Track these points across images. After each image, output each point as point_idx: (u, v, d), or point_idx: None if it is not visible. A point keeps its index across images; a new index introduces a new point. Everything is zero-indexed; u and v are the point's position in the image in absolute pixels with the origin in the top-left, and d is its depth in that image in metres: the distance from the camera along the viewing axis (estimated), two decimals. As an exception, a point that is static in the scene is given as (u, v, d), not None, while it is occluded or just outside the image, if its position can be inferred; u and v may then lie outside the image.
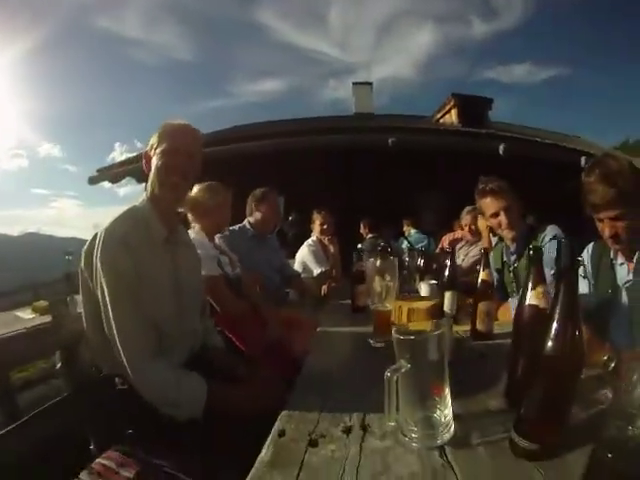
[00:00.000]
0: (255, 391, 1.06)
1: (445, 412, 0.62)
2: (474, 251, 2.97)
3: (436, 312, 1.33)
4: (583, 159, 7.98)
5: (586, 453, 0.52)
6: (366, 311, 1.50)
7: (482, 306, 1.16)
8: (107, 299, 0.96)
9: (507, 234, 1.66)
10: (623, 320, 1.12)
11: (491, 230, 1.98)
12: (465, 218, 3.15)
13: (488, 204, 1.66)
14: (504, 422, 0.64)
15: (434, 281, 1.65)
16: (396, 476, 0.55)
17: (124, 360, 0.95)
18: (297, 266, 3.06)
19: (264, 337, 1.69)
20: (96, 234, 1.01)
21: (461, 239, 3.94)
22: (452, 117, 10.05)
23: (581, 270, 1.27)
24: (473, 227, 3.08)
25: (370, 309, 1.24)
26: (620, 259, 1.17)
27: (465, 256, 3.02)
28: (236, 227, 2.35)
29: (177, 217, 1.24)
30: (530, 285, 0.70)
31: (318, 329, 1.44)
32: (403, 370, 0.60)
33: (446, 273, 1.43)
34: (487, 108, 10.16)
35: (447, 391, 0.63)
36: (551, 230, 1.64)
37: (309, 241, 3.16)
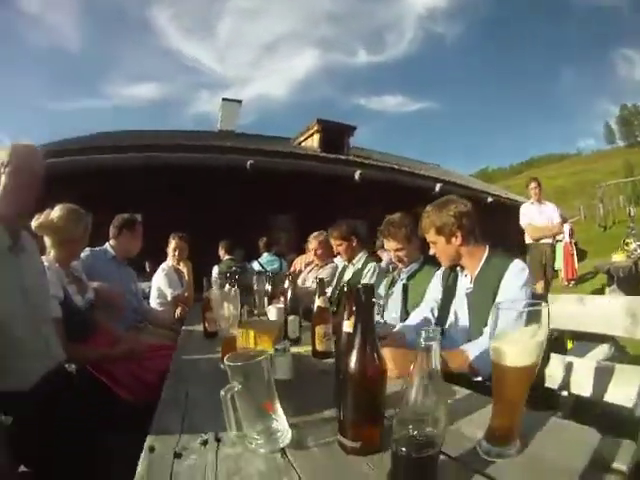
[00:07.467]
0: None
1: (280, 422, 0.77)
2: (323, 274, 3.02)
3: (280, 336, 1.47)
4: (438, 186, 8.98)
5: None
6: (217, 336, 1.56)
7: (319, 329, 1.34)
8: None
9: (398, 264, 2.13)
10: (463, 324, 1.43)
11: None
12: (312, 243, 3.23)
13: (386, 242, 2.12)
14: (335, 428, 0.77)
15: (281, 305, 1.80)
16: (247, 475, 0.68)
17: None
18: (153, 291, 3.09)
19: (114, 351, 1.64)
20: None
21: (313, 262, 4.00)
22: (314, 141, 10.27)
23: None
24: (319, 252, 3.18)
25: (219, 335, 1.36)
26: (465, 272, 1.49)
27: (315, 279, 3.06)
28: (96, 249, 2.35)
29: (22, 224, 1.32)
30: (345, 316, 0.90)
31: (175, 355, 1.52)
32: (235, 390, 0.72)
33: (288, 298, 1.57)
34: (349, 135, 10.70)
35: (277, 406, 0.77)
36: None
37: (163, 265, 3.18)
